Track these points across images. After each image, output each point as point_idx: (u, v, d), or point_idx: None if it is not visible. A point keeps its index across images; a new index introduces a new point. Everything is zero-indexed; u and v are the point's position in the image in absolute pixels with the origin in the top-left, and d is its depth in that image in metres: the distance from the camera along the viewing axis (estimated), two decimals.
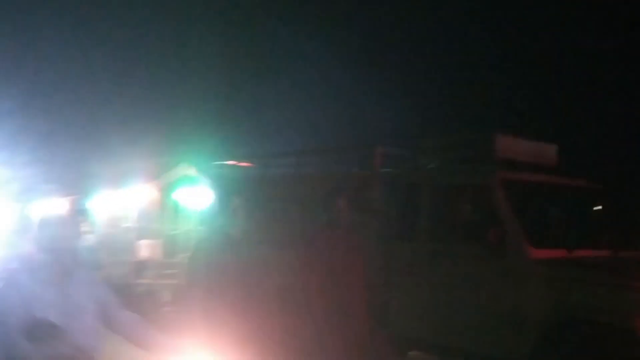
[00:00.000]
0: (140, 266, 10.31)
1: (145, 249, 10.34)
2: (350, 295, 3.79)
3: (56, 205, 13.28)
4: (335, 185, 4.51)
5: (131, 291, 10.83)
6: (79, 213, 11.95)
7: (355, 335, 3.79)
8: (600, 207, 5.58)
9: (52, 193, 14.87)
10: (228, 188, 7.83)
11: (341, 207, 3.99)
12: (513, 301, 4.66)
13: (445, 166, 5.63)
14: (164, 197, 10.18)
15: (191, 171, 10.61)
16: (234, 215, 3.63)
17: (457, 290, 5.10)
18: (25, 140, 18.54)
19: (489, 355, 4.73)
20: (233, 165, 7.96)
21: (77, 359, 2.44)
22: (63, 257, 2.55)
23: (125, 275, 9.96)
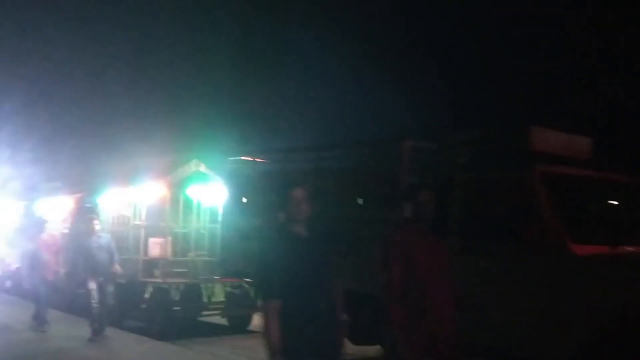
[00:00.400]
0: (150, 264, 10.09)
1: (154, 247, 10.12)
2: (444, 296, 3.40)
3: (61, 203, 13.10)
4: (416, 179, 4.10)
5: (141, 290, 10.64)
6: (86, 211, 11.74)
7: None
8: None
9: (57, 191, 14.70)
10: (249, 184, 7.66)
11: (425, 201, 3.57)
12: (555, 300, 4.50)
13: (477, 160, 5.45)
14: (174, 194, 9.96)
15: (202, 168, 10.40)
16: (287, 211, 3.13)
17: (491, 289, 4.93)
18: (30, 138, 18.35)
19: (530, 356, 4.56)
20: (250, 161, 7.80)
21: None
22: None
23: (135, 274, 9.75)
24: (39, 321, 9.47)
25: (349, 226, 6.11)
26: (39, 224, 10.25)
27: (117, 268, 8.93)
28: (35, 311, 9.60)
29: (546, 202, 4.65)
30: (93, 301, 8.67)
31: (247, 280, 8.37)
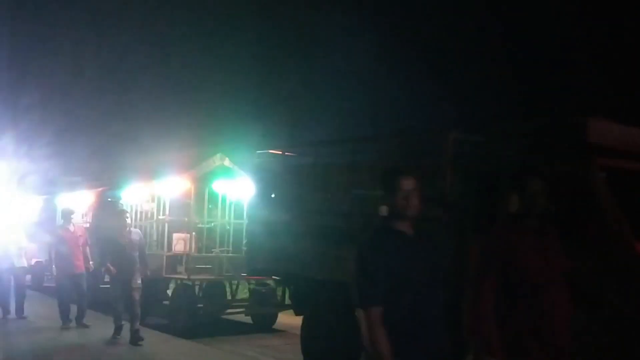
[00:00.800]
0: (174, 260, 9.90)
1: (178, 242, 9.92)
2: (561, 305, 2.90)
3: (81, 198, 12.97)
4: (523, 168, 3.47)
5: (165, 286, 10.45)
6: (109, 205, 11.57)
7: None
8: None
9: (76, 185, 14.60)
10: (278, 178, 7.39)
11: (536, 192, 2.99)
12: (618, 302, 4.17)
13: (529, 154, 5.12)
14: (199, 189, 9.73)
15: (227, 162, 10.17)
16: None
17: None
18: (49, 131, 18.29)
19: None
20: (279, 155, 7.52)
21: None
22: None
23: (158, 270, 9.55)
24: (63, 318, 9.25)
25: None
26: (65, 216, 9.77)
27: (145, 268, 8.45)
28: (60, 308, 9.31)
29: (607, 199, 4.33)
30: (116, 299, 8.33)
31: (275, 278, 8.10)
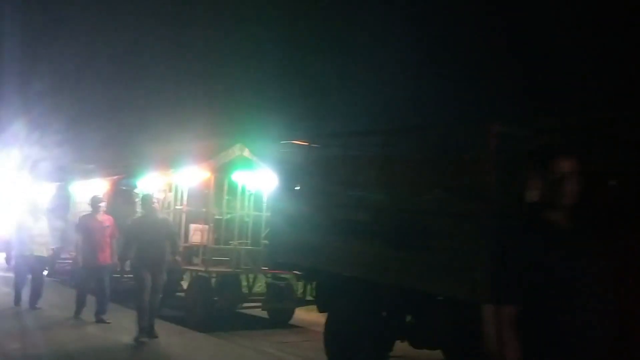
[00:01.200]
0: (190, 251, 9.67)
1: (195, 233, 9.70)
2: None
3: (96, 185, 12.78)
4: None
5: (181, 277, 10.23)
6: (123, 194, 11.36)
7: None
8: None
9: (90, 173, 14.42)
10: (303, 170, 7.13)
11: (562, 176, 2.33)
12: None
13: (580, 149, 4.82)
14: (218, 180, 9.49)
15: (246, 153, 9.91)
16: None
17: (606, 296, 4.32)
18: (62, 118, 18.11)
19: None
20: (304, 146, 7.25)
21: None
22: None
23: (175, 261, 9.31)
24: (77, 309, 8.94)
25: (419, 220, 5.53)
26: (93, 204, 9.07)
27: (178, 259, 7.98)
28: (96, 306, 8.81)
29: None
30: (142, 295, 7.57)
31: (297, 272, 7.85)
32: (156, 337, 7.67)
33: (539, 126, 5.09)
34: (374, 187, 6.07)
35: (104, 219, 9.03)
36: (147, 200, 7.97)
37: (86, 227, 8.89)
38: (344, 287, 6.50)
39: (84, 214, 9.87)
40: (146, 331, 7.54)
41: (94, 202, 9.13)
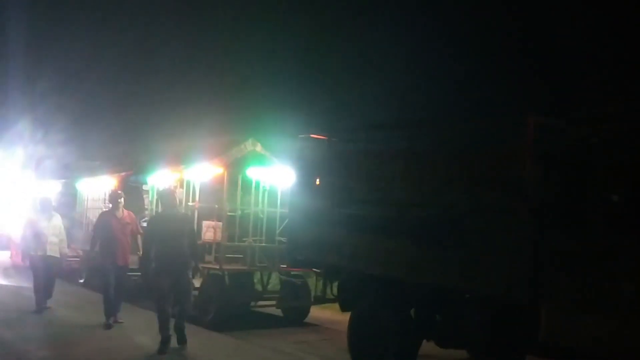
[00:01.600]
0: (203, 249, 9.45)
1: (208, 230, 9.48)
2: None
3: (103, 182, 12.56)
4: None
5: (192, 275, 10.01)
6: (131, 190, 11.14)
7: None
8: None
9: (96, 170, 14.20)
10: (323, 165, 6.92)
11: None
12: None
13: (623, 140, 4.60)
14: (230, 176, 9.27)
15: (259, 148, 9.70)
16: None
17: None
18: (68, 116, 17.90)
19: None
20: (324, 140, 7.03)
21: None
22: None
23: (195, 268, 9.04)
24: (107, 315, 8.26)
25: (450, 216, 5.31)
26: (112, 200, 8.61)
27: (196, 265, 7.23)
28: (105, 305, 8.30)
29: None
30: (162, 305, 6.82)
31: (316, 270, 7.64)
32: (185, 342, 7.00)
33: (578, 116, 4.88)
34: (401, 182, 5.85)
35: (124, 215, 8.53)
36: (166, 195, 7.27)
37: (105, 225, 8.38)
38: (368, 285, 6.30)
39: (103, 211, 9.56)
40: (169, 341, 6.84)
41: (113, 198, 8.65)
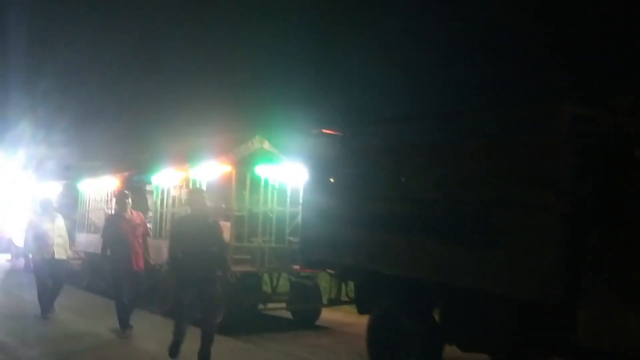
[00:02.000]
0: None
1: None
2: None
3: (105, 182, 12.28)
4: None
5: None
6: (135, 190, 10.83)
7: None
8: None
9: (98, 170, 13.93)
10: (339, 162, 6.63)
11: None
12: None
13: None
14: (238, 174, 8.97)
15: (266, 145, 9.40)
16: None
17: None
18: (68, 116, 17.62)
19: None
20: (339, 136, 6.74)
21: None
22: None
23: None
24: (122, 324, 7.76)
25: (478, 213, 5.02)
26: (119, 201, 8.06)
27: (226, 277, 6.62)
28: (118, 314, 7.83)
29: None
30: (179, 321, 6.11)
31: (330, 271, 7.34)
32: None
33: (615, 105, 4.59)
34: (423, 178, 5.56)
35: (134, 216, 7.98)
36: (196, 195, 6.54)
37: (115, 228, 7.79)
38: (388, 286, 6.01)
39: (112, 213, 9.12)
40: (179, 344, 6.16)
41: (120, 198, 8.11)
